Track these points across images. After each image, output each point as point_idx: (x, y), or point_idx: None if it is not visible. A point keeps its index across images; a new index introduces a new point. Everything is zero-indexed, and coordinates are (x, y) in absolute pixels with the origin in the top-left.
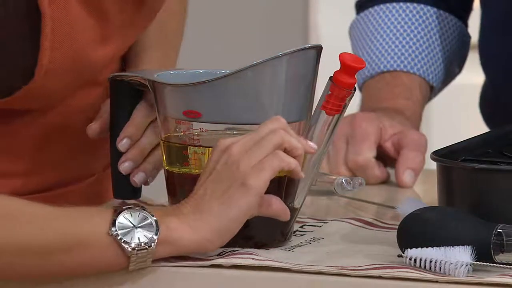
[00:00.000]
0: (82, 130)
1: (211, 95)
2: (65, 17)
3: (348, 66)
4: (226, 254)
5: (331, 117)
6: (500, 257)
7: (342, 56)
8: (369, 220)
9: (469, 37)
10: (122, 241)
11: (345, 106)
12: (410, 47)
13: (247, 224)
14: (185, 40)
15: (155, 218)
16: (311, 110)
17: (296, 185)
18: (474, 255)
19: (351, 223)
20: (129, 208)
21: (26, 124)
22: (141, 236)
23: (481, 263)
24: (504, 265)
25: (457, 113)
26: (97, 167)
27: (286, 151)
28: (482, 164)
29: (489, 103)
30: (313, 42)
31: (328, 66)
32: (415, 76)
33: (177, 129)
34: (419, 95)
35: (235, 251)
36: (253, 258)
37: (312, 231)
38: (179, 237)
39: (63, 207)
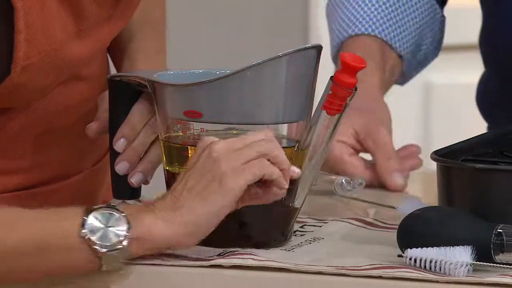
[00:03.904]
0: (69, 126)
1: (211, 95)
2: (39, 11)
3: (349, 66)
4: (226, 254)
5: (332, 116)
6: (500, 257)
7: (343, 56)
8: (369, 220)
9: (442, 15)
10: (93, 242)
11: (346, 106)
12: (372, 12)
13: (247, 224)
14: (186, 40)
15: (126, 216)
16: (311, 110)
17: (296, 185)
18: (474, 255)
19: (351, 223)
20: (99, 208)
21: (9, 120)
22: (112, 236)
23: (481, 263)
24: (504, 265)
25: (457, 113)
26: (86, 164)
27: (272, 161)
28: (482, 164)
29: (490, 95)
30: (313, 42)
31: (328, 66)
32: (377, 39)
33: (177, 129)
34: (378, 54)
35: (235, 251)
36: (253, 259)
37: (312, 231)
38: (154, 233)
39: (33, 210)
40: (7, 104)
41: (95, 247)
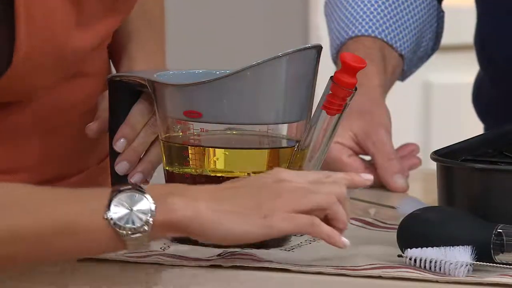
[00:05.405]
0: (74, 123)
1: (211, 95)
2: (39, 2)
3: (349, 66)
4: (226, 254)
5: (332, 116)
6: (500, 257)
7: (343, 56)
8: (369, 220)
9: (441, 11)
10: (117, 225)
11: (345, 106)
12: (372, 12)
13: None
14: (186, 40)
15: (152, 200)
16: (311, 110)
17: None
18: (474, 255)
19: (351, 223)
20: (126, 189)
21: (14, 118)
22: (136, 219)
23: (481, 263)
24: (504, 265)
25: (457, 113)
26: (91, 162)
27: (329, 217)
28: (482, 164)
29: (485, 94)
30: (313, 42)
31: (328, 66)
32: (377, 39)
33: (177, 129)
34: (378, 56)
35: (235, 252)
36: (253, 259)
37: None
38: (180, 218)
39: (59, 189)
40: (12, 97)
41: (119, 230)
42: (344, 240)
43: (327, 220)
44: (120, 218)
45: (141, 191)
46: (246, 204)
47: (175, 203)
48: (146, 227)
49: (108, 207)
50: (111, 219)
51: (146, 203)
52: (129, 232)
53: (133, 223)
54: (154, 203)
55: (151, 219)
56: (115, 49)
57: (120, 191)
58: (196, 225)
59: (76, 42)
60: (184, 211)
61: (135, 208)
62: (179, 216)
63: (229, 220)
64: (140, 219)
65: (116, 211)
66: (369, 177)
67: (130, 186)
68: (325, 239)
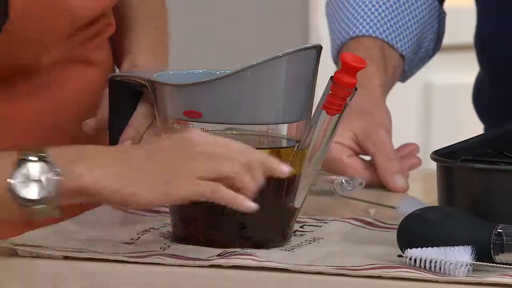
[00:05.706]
0: (75, 122)
1: (211, 95)
2: None
3: (349, 66)
4: (226, 254)
5: (332, 116)
6: (500, 257)
7: (343, 56)
8: (369, 220)
9: (442, 12)
10: (20, 193)
11: (346, 106)
12: (373, 12)
13: (247, 224)
14: (186, 40)
15: (56, 167)
16: (311, 110)
17: (296, 185)
18: (474, 255)
19: (351, 223)
20: (31, 160)
21: (20, 112)
22: (40, 188)
23: (481, 263)
24: (504, 265)
25: (457, 113)
26: None
27: (235, 185)
28: (482, 164)
29: (485, 94)
30: (313, 42)
31: (328, 66)
32: (378, 39)
33: (177, 129)
34: (378, 56)
35: (235, 251)
36: (253, 259)
37: (312, 231)
38: (83, 183)
39: None
40: (14, 59)
41: (22, 201)
42: (250, 203)
43: (236, 188)
44: (22, 189)
45: (45, 159)
46: (151, 170)
47: (79, 169)
48: (50, 194)
49: (12, 175)
50: (15, 187)
51: (50, 170)
52: (31, 204)
53: (37, 193)
54: (59, 170)
55: (55, 186)
56: (117, 40)
57: (25, 160)
58: (98, 189)
59: (75, 2)
60: (86, 177)
61: (39, 176)
62: (83, 182)
63: (131, 186)
64: (44, 186)
65: (21, 181)
66: (286, 169)
67: (35, 157)
68: (228, 204)
